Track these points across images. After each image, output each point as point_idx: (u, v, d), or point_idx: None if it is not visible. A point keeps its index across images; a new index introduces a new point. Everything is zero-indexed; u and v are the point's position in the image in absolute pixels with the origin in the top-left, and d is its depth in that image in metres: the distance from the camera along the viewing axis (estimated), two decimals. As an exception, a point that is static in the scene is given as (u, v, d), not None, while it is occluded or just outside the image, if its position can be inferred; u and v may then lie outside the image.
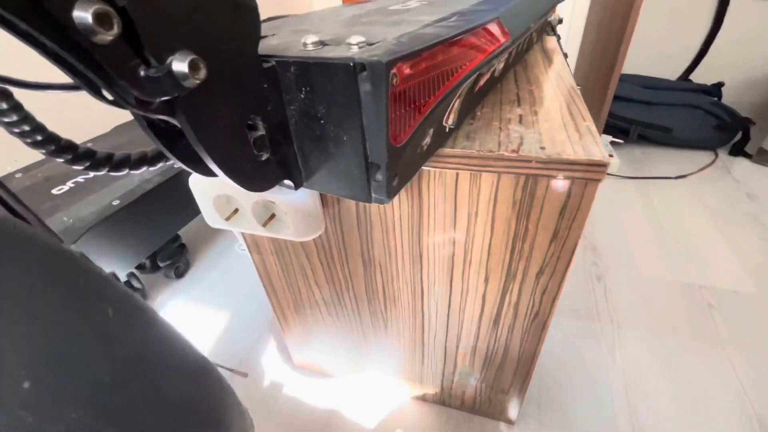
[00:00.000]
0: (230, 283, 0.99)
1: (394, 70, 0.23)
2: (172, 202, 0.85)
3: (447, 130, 0.36)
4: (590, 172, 0.33)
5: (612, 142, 1.39)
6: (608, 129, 1.41)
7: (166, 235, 0.91)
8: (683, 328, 0.79)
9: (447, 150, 0.36)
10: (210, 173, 0.26)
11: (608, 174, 1.31)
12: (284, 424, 0.68)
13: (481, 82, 0.40)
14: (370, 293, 0.54)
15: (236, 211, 0.46)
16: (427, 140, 0.32)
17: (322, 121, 0.27)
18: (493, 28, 0.37)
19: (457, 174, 0.37)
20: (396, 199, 0.42)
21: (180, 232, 1.06)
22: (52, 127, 0.28)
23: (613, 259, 0.97)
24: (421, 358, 0.61)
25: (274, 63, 0.25)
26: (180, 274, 1.00)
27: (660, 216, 1.11)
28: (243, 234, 0.55)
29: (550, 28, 0.80)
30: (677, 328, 0.79)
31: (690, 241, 1.01)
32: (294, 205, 0.40)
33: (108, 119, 1.02)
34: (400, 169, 0.29)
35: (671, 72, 1.60)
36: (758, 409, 0.64)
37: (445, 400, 0.67)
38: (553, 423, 0.65)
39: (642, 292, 0.87)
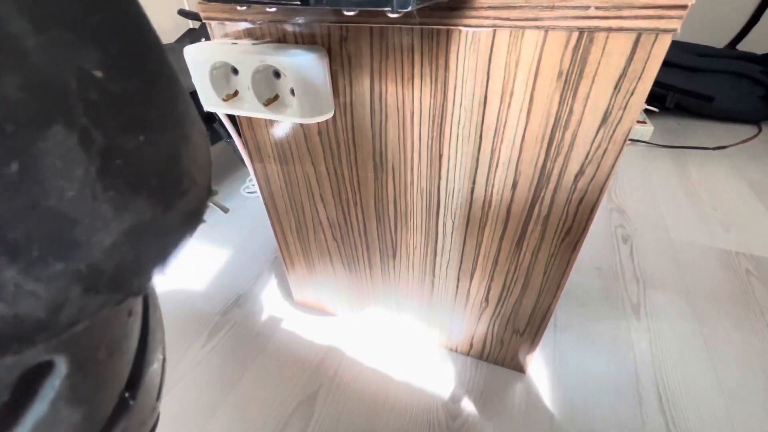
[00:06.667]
0: (234, 222, 0.95)
1: None
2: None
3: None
4: (664, 19, 0.27)
5: (646, 110, 1.29)
6: (643, 96, 1.31)
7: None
8: (717, 292, 0.72)
9: (485, -1, 0.30)
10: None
11: (640, 141, 1.22)
12: (278, 357, 0.64)
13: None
14: (380, 209, 0.49)
15: (236, 93, 0.41)
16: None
17: None
18: None
19: (494, 33, 0.31)
20: (417, 77, 0.36)
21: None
22: None
23: (641, 222, 0.90)
24: (430, 291, 0.56)
25: None
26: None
27: (695, 184, 1.02)
28: (243, 137, 0.50)
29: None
30: (711, 292, 0.72)
31: (728, 209, 0.93)
32: (299, 72, 0.35)
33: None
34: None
35: (717, 40, 1.48)
36: (800, 377, 0.58)
37: (451, 344, 0.63)
38: (569, 375, 0.60)
39: (672, 255, 0.81)
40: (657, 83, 1.28)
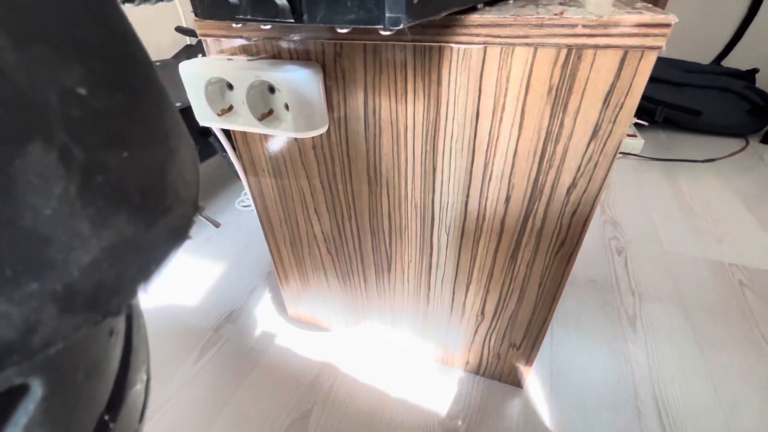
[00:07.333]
0: (228, 235, 0.94)
1: None
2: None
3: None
4: (650, 37, 0.27)
5: (636, 124, 1.32)
6: (633, 110, 1.34)
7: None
8: (712, 304, 0.72)
9: (475, 17, 0.31)
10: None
11: (631, 154, 1.24)
12: (271, 374, 0.63)
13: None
14: (374, 222, 0.49)
15: (231, 108, 0.41)
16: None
17: None
18: None
19: (485, 50, 0.32)
20: (411, 92, 0.36)
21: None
22: None
23: (635, 234, 0.90)
24: (425, 305, 0.55)
25: None
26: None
27: (687, 197, 1.04)
28: (238, 151, 0.50)
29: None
30: (705, 303, 0.72)
31: (720, 221, 0.94)
32: (294, 88, 0.35)
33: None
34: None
35: (702, 57, 1.52)
36: (798, 390, 0.58)
37: (447, 359, 0.62)
38: (566, 390, 0.59)
39: (666, 266, 0.81)
40: (646, 98, 1.30)
